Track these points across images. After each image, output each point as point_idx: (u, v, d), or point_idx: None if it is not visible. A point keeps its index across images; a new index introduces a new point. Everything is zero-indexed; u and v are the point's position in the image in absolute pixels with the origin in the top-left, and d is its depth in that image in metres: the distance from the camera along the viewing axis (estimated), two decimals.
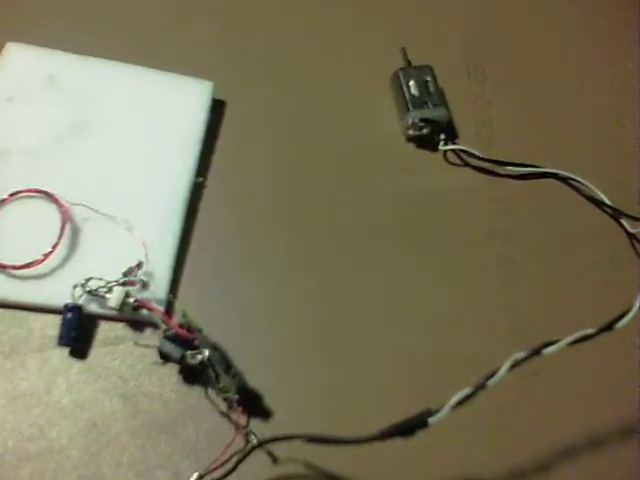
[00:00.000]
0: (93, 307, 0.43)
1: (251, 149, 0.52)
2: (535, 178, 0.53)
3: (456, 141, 0.53)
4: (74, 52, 0.51)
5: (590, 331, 0.36)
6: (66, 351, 0.43)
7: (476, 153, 0.52)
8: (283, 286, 0.47)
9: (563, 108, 0.56)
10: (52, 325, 0.44)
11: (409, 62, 0.55)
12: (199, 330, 0.41)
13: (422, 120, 0.52)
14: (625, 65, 0.59)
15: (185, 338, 0.41)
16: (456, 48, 0.58)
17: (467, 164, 0.53)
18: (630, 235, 0.50)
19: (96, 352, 0.44)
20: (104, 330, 0.44)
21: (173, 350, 0.40)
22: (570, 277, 0.50)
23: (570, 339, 0.36)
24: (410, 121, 0.52)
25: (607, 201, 0.51)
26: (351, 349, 0.45)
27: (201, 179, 0.50)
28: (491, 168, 0.53)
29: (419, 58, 0.56)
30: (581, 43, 0.60)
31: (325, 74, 0.56)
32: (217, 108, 0.53)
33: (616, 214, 0.51)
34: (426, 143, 0.53)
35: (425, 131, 0.52)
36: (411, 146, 0.54)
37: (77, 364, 0.43)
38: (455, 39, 0.59)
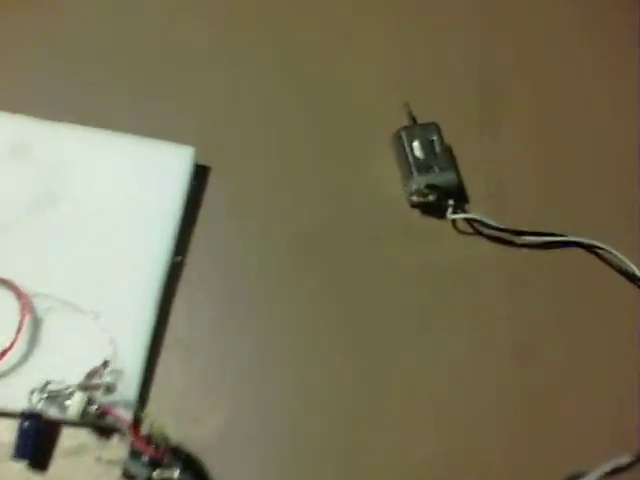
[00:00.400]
0: (53, 412, 0.38)
1: (237, 219, 0.47)
2: (556, 247, 0.47)
3: (466, 207, 0.48)
4: (42, 117, 0.46)
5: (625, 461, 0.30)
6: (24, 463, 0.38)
7: (489, 222, 0.46)
8: (268, 385, 0.42)
9: (586, 167, 0.51)
10: (10, 430, 0.38)
11: (414, 119, 0.50)
12: (169, 445, 0.36)
13: (428, 186, 0.46)
14: None
15: (153, 456, 0.35)
16: (467, 101, 0.53)
17: (479, 232, 0.47)
18: None
19: (57, 463, 0.39)
20: (67, 436, 0.39)
21: (139, 470, 0.35)
22: (597, 365, 0.44)
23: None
24: (414, 187, 0.47)
25: None
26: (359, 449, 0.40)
27: (180, 258, 0.45)
28: (506, 237, 0.47)
29: (425, 112, 0.50)
30: (607, 95, 0.54)
31: (319, 131, 0.51)
32: (200, 175, 0.48)
33: None
34: (433, 209, 0.48)
35: (431, 198, 0.47)
36: (416, 213, 0.48)
37: (36, 477, 0.38)
38: (466, 91, 0.53)
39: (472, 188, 0.49)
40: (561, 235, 0.47)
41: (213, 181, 0.48)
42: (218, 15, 0.54)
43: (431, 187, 0.46)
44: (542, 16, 0.57)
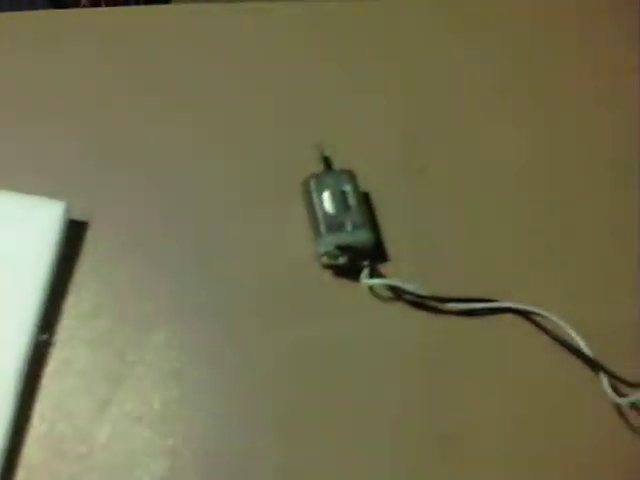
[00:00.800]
0: None
1: (118, 284, 0.40)
2: (487, 314, 0.41)
3: (385, 270, 0.41)
4: None
5: None
6: None
7: (410, 289, 0.40)
8: None
9: (521, 224, 0.44)
10: None
11: (327, 162, 0.43)
12: None
13: (338, 248, 0.40)
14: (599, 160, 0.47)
15: None
16: (388, 143, 0.46)
17: (400, 298, 0.41)
18: (616, 406, 0.38)
19: None
20: None
21: None
22: (536, 452, 0.37)
23: None
24: (323, 249, 0.40)
25: (585, 349, 0.39)
26: None
27: (46, 336, 0.37)
28: (431, 304, 0.40)
29: (341, 158, 0.44)
30: (541, 138, 0.48)
31: (216, 177, 0.44)
32: (75, 232, 0.41)
33: (596, 369, 0.39)
34: (347, 271, 0.41)
35: (342, 260, 0.40)
36: (327, 275, 0.41)
37: None
38: (387, 134, 0.47)
39: (392, 247, 0.42)
40: (493, 300, 0.40)
41: (92, 238, 0.41)
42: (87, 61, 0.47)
43: (343, 248, 0.40)
44: (466, 64, 0.50)
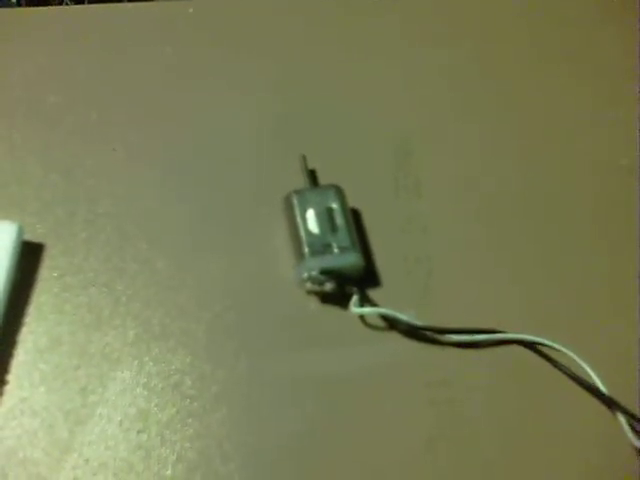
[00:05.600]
0: None
1: (78, 313, 0.36)
2: (491, 346, 0.36)
3: (376, 296, 0.37)
4: None
5: None
6: None
7: (405, 319, 0.35)
8: None
9: (527, 241, 0.40)
10: None
11: (313, 176, 0.39)
12: None
13: (323, 272, 0.35)
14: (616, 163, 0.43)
15: None
16: (379, 156, 0.42)
17: (394, 327, 0.37)
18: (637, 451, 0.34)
19: None
20: None
21: None
22: None
23: None
24: (305, 275, 0.36)
25: (600, 386, 0.35)
26: None
27: None
28: (429, 336, 0.36)
29: (328, 169, 0.40)
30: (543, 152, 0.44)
31: (191, 191, 0.40)
32: (30, 256, 0.37)
33: (613, 409, 0.34)
34: (334, 297, 0.37)
35: (329, 286, 0.36)
36: (312, 302, 0.37)
37: None
38: (378, 148, 0.43)
39: (384, 271, 0.38)
40: (498, 332, 0.36)
41: (48, 262, 0.37)
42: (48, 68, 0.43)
43: (328, 273, 0.36)
44: (464, 66, 0.47)
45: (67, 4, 0.70)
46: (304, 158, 0.40)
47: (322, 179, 0.40)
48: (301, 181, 0.39)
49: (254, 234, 0.39)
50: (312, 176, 0.40)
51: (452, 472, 0.33)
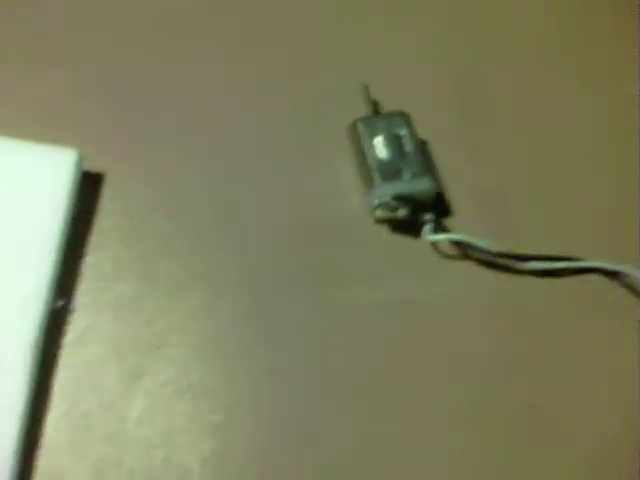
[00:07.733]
0: None
1: (141, 242, 0.35)
2: (569, 275, 0.35)
3: (450, 224, 0.36)
4: None
5: None
6: None
7: (480, 244, 0.34)
8: None
9: (601, 169, 0.39)
10: None
11: (375, 106, 0.38)
12: None
13: (396, 198, 0.34)
14: None
15: None
16: (443, 87, 0.41)
17: (468, 256, 0.35)
18: None
19: None
20: None
21: None
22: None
23: None
24: (377, 201, 0.34)
25: None
26: None
27: (63, 302, 0.33)
28: (504, 263, 0.35)
29: (390, 99, 0.38)
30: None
31: (249, 124, 0.39)
32: (90, 185, 0.36)
33: None
34: (405, 227, 0.36)
35: (402, 212, 0.35)
36: (383, 231, 0.36)
37: None
38: (442, 74, 0.41)
39: (456, 198, 0.37)
40: (576, 259, 0.35)
41: (109, 192, 0.36)
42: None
43: (401, 199, 0.34)
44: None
45: None
46: (366, 87, 0.38)
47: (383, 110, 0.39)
48: (362, 112, 0.38)
49: (317, 166, 0.38)
50: (375, 107, 0.38)
51: (529, 399, 0.32)
